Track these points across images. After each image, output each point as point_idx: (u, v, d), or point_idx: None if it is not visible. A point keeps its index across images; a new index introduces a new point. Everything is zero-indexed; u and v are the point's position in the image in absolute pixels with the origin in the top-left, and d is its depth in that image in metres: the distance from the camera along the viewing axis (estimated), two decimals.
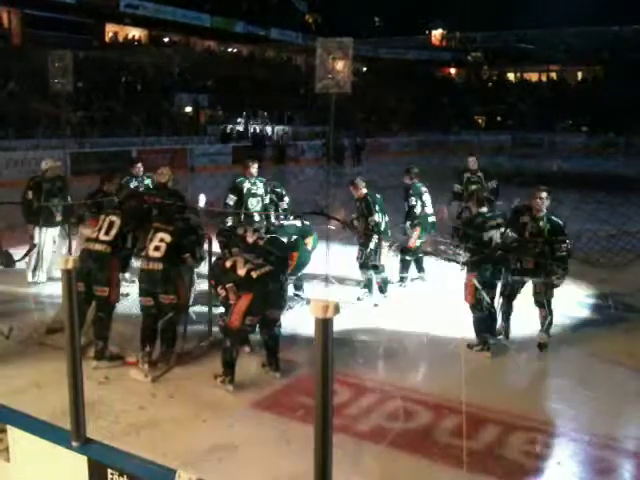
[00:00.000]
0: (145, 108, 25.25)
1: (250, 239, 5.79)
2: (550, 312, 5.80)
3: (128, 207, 5.73)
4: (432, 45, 49.27)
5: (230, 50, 41.34)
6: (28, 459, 2.72)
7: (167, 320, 5.22)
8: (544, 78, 48.59)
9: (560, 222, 5.79)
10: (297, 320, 6.03)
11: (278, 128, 30.02)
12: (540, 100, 39.68)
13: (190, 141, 25.11)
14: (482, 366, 5.53)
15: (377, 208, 7.08)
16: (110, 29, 34.27)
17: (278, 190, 7.97)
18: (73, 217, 7.29)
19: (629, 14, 34.63)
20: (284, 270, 5.54)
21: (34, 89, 19.78)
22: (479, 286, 5.64)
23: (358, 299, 7.18)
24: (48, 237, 7.56)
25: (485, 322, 5.76)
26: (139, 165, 8.39)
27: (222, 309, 5.34)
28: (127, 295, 6.41)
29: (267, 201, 7.83)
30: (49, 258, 7.55)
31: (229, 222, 7.48)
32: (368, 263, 7.09)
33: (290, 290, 6.63)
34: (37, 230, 7.51)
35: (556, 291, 5.78)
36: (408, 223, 7.74)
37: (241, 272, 4.98)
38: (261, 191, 7.79)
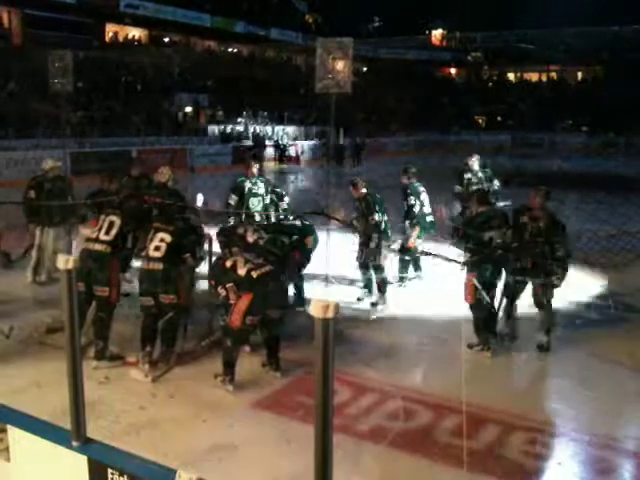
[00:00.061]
0: (145, 108, 25.26)
1: (250, 239, 5.79)
2: (550, 313, 5.80)
3: (128, 207, 5.73)
4: (432, 45, 49.27)
5: (230, 50, 41.36)
6: (28, 459, 2.72)
7: (167, 320, 5.22)
8: (544, 78, 48.63)
9: (561, 222, 5.79)
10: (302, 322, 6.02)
11: (278, 128, 30.03)
12: (540, 100, 39.73)
13: (190, 141, 25.13)
14: (482, 366, 5.53)
15: (377, 208, 7.09)
16: (110, 29, 34.28)
17: (278, 190, 7.99)
18: (75, 217, 7.29)
19: (629, 14, 34.68)
20: (287, 268, 5.53)
21: (34, 89, 19.79)
22: (479, 286, 5.64)
23: (358, 299, 7.19)
24: (49, 237, 7.56)
25: (485, 322, 5.76)
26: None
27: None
28: (127, 295, 6.41)
29: (268, 201, 7.84)
30: (50, 258, 7.55)
31: (232, 222, 7.49)
32: (368, 263, 7.09)
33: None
34: (38, 230, 7.51)
35: (556, 291, 5.78)
36: (407, 223, 7.74)
37: (241, 272, 4.98)
38: (262, 191, 7.80)
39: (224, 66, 34.31)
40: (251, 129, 29.09)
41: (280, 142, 28.27)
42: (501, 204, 8.13)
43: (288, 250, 6.20)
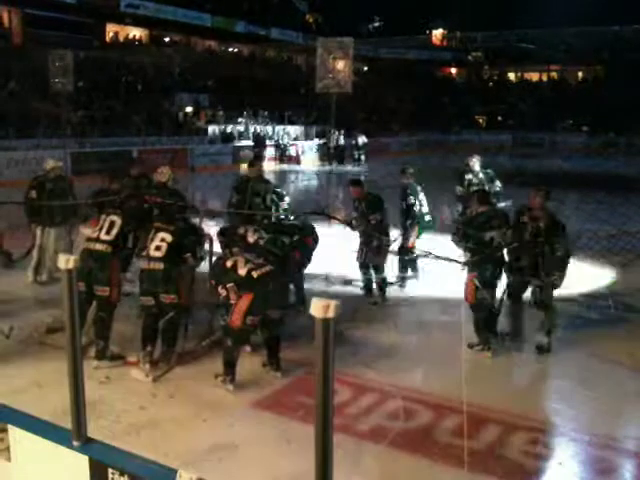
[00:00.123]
0: (146, 108, 25.26)
1: (251, 239, 5.80)
2: (550, 313, 5.79)
3: (129, 207, 5.74)
4: (433, 45, 49.24)
5: (231, 50, 41.35)
6: (29, 459, 2.73)
7: (168, 320, 5.22)
8: (545, 78, 48.59)
9: (561, 222, 5.79)
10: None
11: (279, 128, 30.02)
12: (540, 100, 39.71)
13: (190, 141, 25.13)
14: (482, 366, 5.54)
15: (377, 208, 7.08)
16: (111, 29, 34.27)
17: (278, 190, 7.99)
18: (77, 217, 7.30)
19: (629, 14, 34.64)
20: (289, 268, 5.53)
21: (35, 89, 19.82)
22: (479, 286, 5.65)
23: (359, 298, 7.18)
24: (51, 237, 7.57)
25: (485, 322, 5.76)
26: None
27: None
28: (128, 295, 6.42)
29: (269, 201, 7.84)
30: (51, 258, 7.55)
31: (234, 222, 7.49)
32: (368, 263, 7.09)
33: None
34: (39, 230, 7.52)
35: (556, 291, 5.78)
36: (409, 222, 7.74)
37: (242, 272, 4.99)
38: (263, 191, 7.81)
39: (224, 66, 34.30)
40: (252, 129, 29.08)
41: (280, 142, 28.27)
42: (502, 204, 8.13)
43: (288, 250, 6.20)
